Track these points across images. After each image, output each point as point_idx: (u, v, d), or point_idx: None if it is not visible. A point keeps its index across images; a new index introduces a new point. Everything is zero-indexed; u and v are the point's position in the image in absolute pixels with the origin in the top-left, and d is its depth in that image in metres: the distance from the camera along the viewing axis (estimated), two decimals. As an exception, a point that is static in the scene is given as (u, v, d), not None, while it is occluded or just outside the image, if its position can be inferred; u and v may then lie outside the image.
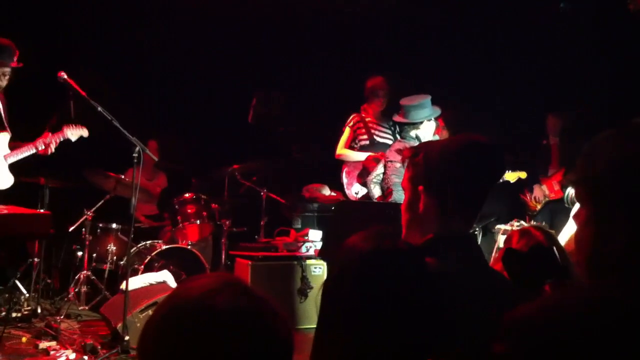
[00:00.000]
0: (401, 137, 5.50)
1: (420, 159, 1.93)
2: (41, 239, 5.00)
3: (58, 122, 5.11)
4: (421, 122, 5.29)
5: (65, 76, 4.49)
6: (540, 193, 6.56)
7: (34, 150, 4.67)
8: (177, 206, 6.24)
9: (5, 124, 4.63)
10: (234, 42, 7.67)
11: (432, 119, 5.39)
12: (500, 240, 5.79)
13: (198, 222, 6.21)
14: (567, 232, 4.34)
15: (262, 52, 7.75)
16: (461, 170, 1.85)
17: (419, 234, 1.91)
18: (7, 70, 4.48)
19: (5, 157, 4.52)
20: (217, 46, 7.61)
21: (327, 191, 6.91)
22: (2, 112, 4.62)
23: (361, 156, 6.24)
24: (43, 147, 4.68)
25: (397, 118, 5.46)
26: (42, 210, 4.75)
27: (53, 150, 4.73)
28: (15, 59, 4.50)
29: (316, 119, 7.86)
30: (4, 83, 4.53)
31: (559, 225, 5.81)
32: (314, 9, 7.55)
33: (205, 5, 7.28)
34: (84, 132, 4.90)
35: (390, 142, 6.28)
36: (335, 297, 1.69)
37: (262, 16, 7.50)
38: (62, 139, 4.83)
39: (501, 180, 6.08)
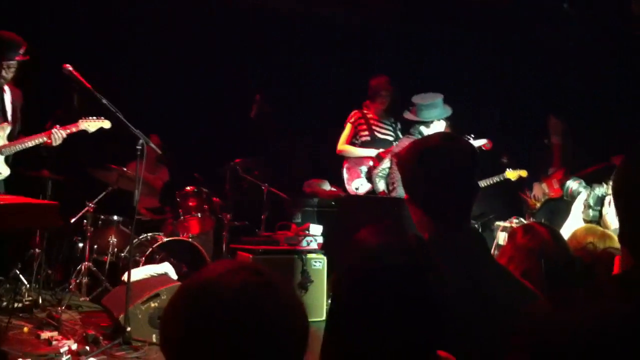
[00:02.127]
0: (409, 134, 5.53)
1: (399, 169, 1.99)
2: (49, 229, 5.02)
3: (63, 114, 5.12)
4: (432, 121, 5.34)
5: (71, 68, 4.51)
6: (540, 191, 6.60)
7: (36, 142, 4.66)
8: (178, 199, 6.27)
9: (8, 116, 4.63)
10: (237, 38, 7.69)
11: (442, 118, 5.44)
12: (500, 236, 5.82)
13: (199, 215, 6.24)
14: (568, 228, 4.37)
15: (265, 48, 7.76)
16: (419, 177, 1.89)
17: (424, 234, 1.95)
18: (13, 63, 4.49)
19: (1, 148, 4.52)
20: (220, 41, 7.63)
21: (327, 186, 6.94)
22: (6, 103, 4.62)
23: (362, 152, 6.27)
24: (49, 139, 4.68)
25: (408, 115, 5.48)
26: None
27: (60, 142, 4.73)
28: (21, 52, 4.51)
29: (316, 114, 7.89)
30: (10, 75, 4.54)
31: (558, 223, 5.83)
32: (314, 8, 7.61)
33: (208, 5, 7.33)
34: (105, 124, 4.91)
35: (391, 138, 6.32)
36: (345, 292, 1.72)
37: (267, 12, 7.54)
38: (74, 131, 4.83)
39: (502, 178, 6.15)
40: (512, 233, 2.35)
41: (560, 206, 6.44)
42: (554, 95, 7.00)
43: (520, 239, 2.25)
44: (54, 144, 4.70)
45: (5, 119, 4.59)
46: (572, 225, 4.48)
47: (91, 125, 4.91)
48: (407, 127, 5.71)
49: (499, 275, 1.81)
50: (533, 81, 7.19)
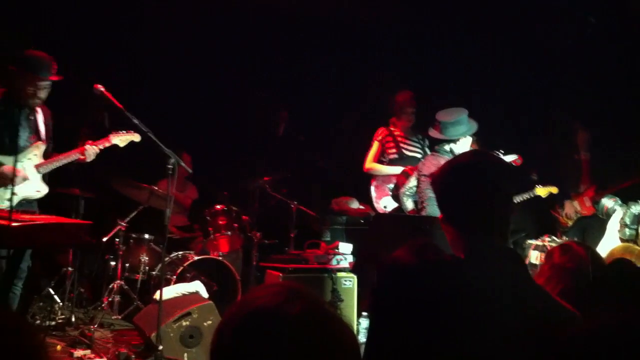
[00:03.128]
0: (434, 151, 5.48)
1: (433, 188, 2.00)
2: (81, 248, 5.07)
3: (90, 132, 5.19)
4: (458, 139, 5.26)
5: (102, 89, 4.58)
6: (572, 209, 6.52)
7: (70, 159, 4.72)
8: (208, 217, 6.31)
9: (42, 135, 4.70)
10: (264, 57, 7.76)
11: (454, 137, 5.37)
12: (532, 255, 5.76)
13: (229, 233, 6.28)
14: (604, 247, 4.31)
15: (293, 67, 7.82)
16: (452, 195, 1.89)
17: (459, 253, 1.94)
18: (46, 83, 4.56)
19: (37, 166, 4.59)
20: (247, 60, 7.70)
21: (355, 204, 6.93)
22: (39, 123, 4.70)
23: (390, 170, 6.26)
24: (82, 155, 4.74)
25: (432, 133, 5.39)
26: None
27: (93, 157, 4.78)
28: (54, 72, 4.59)
29: (343, 133, 7.91)
30: (44, 96, 4.61)
31: (591, 241, 5.77)
32: (344, 22, 7.64)
33: (237, 22, 7.41)
34: (136, 137, 4.94)
35: (419, 155, 6.29)
36: (382, 308, 1.72)
37: (306, 29, 7.60)
38: (106, 146, 4.88)
39: (532, 195, 6.08)
40: (549, 253, 2.32)
41: (593, 224, 6.37)
42: (584, 107, 6.93)
43: (558, 259, 2.23)
44: (87, 160, 4.74)
45: (39, 138, 4.66)
46: (608, 244, 4.43)
47: (122, 139, 4.95)
48: (435, 144, 5.67)
49: (536, 295, 1.79)
50: (563, 94, 7.13)
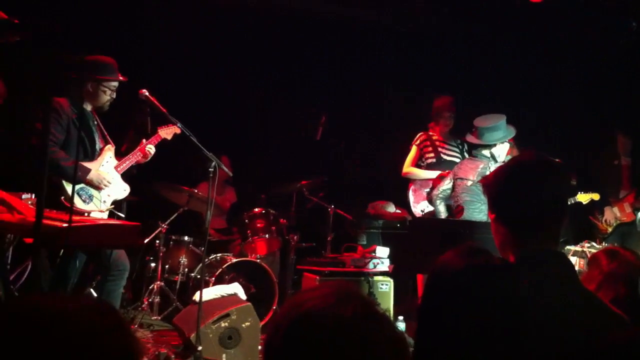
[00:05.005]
0: (472, 155, 5.47)
1: (486, 188, 2.00)
2: (131, 248, 5.19)
3: (135, 136, 5.29)
4: (495, 144, 5.27)
5: (147, 93, 4.68)
6: (612, 215, 6.44)
7: (136, 159, 4.87)
8: (246, 220, 6.37)
9: (108, 138, 4.84)
10: (302, 62, 7.82)
11: (492, 143, 5.36)
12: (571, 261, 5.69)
13: (267, 236, 6.33)
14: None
15: (332, 71, 7.86)
16: (512, 193, 1.89)
17: (508, 257, 1.95)
18: (116, 84, 4.71)
19: (115, 168, 4.74)
20: (288, 65, 7.77)
21: (392, 208, 6.94)
22: (101, 126, 4.83)
23: (428, 174, 6.26)
24: (145, 154, 4.88)
25: (470, 139, 5.42)
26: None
27: (151, 156, 4.92)
28: (118, 73, 4.73)
29: (382, 137, 7.92)
30: (113, 97, 4.75)
31: (630, 248, 5.69)
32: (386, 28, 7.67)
33: (279, 29, 7.48)
34: (176, 130, 5.04)
35: (457, 159, 6.28)
36: (431, 312, 1.73)
37: (336, 37, 7.64)
38: (158, 141, 5.02)
39: (573, 201, 6.02)
40: (595, 259, 2.31)
41: (633, 230, 6.30)
42: (624, 111, 6.84)
43: (607, 266, 2.21)
44: (148, 159, 4.90)
45: (107, 141, 4.80)
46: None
47: (167, 132, 5.07)
48: (474, 148, 5.67)
49: (587, 301, 1.79)
50: (601, 98, 7.04)
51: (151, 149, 4.91)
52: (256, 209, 6.44)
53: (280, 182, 6.96)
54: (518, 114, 6.10)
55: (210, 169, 4.64)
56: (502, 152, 5.34)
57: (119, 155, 4.86)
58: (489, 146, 5.33)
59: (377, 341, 1.15)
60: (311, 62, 7.79)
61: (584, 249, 5.75)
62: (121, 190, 4.77)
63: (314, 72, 7.84)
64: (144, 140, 4.91)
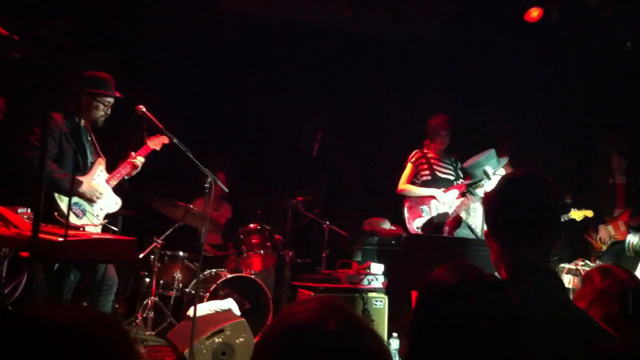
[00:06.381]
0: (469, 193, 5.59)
1: (483, 204, 2.03)
2: (126, 262, 5.19)
3: (125, 148, 5.32)
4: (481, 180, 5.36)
5: (144, 109, 4.73)
6: (606, 234, 6.46)
7: (126, 172, 4.88)
8: (241, 236, 6.38)
9: (99, 152, 4.86)
10: (297, 79, 7.87)
11: (490, 175, 5.43)
12: (565, 279, 5.72)
13: (262, 252, 6.33)
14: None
15: (327, 89, 7.91)
16: (502, 207, 1.91)
17: (500, 273, 1.97)
18: (112, 100, 4.75)
19: (107, 181, 4.76)
20: (281, 83, 7.82)
21: (387, 225, 6.96)
22: (94, 140, 4.85)
23: (423, 191, 6.28)
24: (134, 166, 4.90)
25: (465, 183, 5.53)
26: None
27: (140, 168, 4.93)
28: (114, 89, 4.77)
29: (376, 154, 7.96)
30: (109, 112, 4.78)
31: (625, 266, 5.70)
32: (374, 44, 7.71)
33: (279, 44, 7.54)
34: (165, 140, 5.06)
35: (452, 177, 6.32)
36: (422, 329, 1.74)
37: (324, 52, 7.69)
38: (147, 152, 5.03)
39: (566, 219, 6.05)
40: (588, 276, 2.32)
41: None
42: (618, 131, 6.88)
43: (600, 283, 2.23)
44: (137, 171, 4.91)
45: (99, 155, 4.82)
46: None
47: (156, 142, 5.09)
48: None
49: (577, 318, 1.81)
50: (597, 117, 7.09)
51: (140, 160, 4.92)
52: (251, 225, 6.45)
53: (276, 198, 6.98)
54: (515, 134, 6.15)
55: (206, 185, 4.66)
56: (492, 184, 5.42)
57: (111, 168, 4.88)
58: (480, 181, 5.43)
59: (361, 354, 1.17)
60: (310, 72, 7.83)
61: (578, 267, 5.77)
62: (113, 203, 4.79)
63: (314, 85, 7.88)
64: (132, 152, 4.93)
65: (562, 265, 5.97)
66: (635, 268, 5.12)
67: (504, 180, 2.00)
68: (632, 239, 6.06)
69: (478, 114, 7.03)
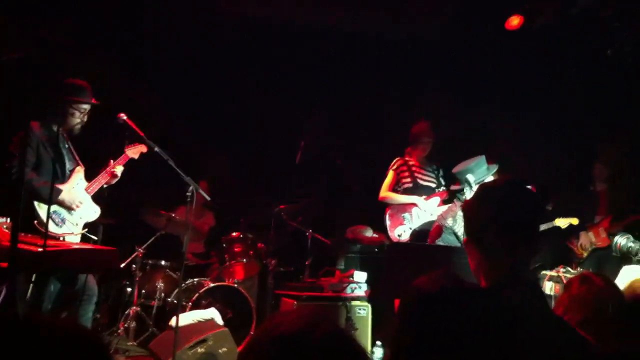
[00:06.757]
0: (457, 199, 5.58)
1: (464, 212, 2.04)
2: (108, 272, 5.16)
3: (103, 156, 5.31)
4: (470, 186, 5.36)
5: (125, 117, 4.73)
6: (587, 240, 6.50)
7: (105, 180, 4.85)
8: (224, 244, 6.35)
9: (78, 160, 4.82)
10: (297, 79, 7.87)
11: (472, 184, 5.44)
12: (546, 286, 5.75)
13: (245, 260, 6.31)
14: (623, 279, 4.31)
15: (327, 89, 7.91)
16: (495, 213, 1.92)
17: (481, 282, 1.97)
18: (86, 107, 4.72)
19: (86, 189, 4.72)
20: (267, 87, 7.80)
21: (370, 233, 6.96)
22: (71, 148, 4.82)
23: (405, 199, 6.29)
24: (113, 175, 4.86)
25: (454, 188, 5.53)
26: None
27: (119, 177, 4.90)
28: (91, 96, 4.74)
29: (376, 154, 7.95)
30: (85, 119, 4.75)
31: (606, 273, 5.74)
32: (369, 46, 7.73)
33: (257, 47, 7.52)
34: (143, 149, 5.05)
35: (433, 185, 6.33)
36: (403, 338, 1.74)
37: (315, 56, 7.69)
38: (125, 161, 5.01)
39: (550, 226, 6.08)
40: (568, 284, 2.34)
41: (608, 255, 6.35)
42: (601, 138, 6.94)
43: (576, 290, 2.25)
44: (116, 179, 4.88)
45: (77, 163, 4.78)
46: (627, 277, 4.41)
47: (134, 151, 5.07)
48: (450, 174, 5.72)
49: (554, 324, 1.82)
50: (596, 117, 7.13)
51: (119, 169, 4.89)
52: (234, 233, 6.42)
53: (259, 206, 6.96)
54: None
55: (187, 194, 4.65)
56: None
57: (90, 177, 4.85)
58: (465, 190, 5.44)
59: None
60: (310, 72, 7.83)
61: (560, 274, 5.80)
62: (92, 212, 4.75)
63: (314, 85, 7.89)
64: (111, 161, 4.91)
65: (544, 272, 6.00)
66: (616, 275, 5.16)
67: (481, 189, 2.01)
68: (619, 240, 6.10)
69: (478, 114, 7.06)
